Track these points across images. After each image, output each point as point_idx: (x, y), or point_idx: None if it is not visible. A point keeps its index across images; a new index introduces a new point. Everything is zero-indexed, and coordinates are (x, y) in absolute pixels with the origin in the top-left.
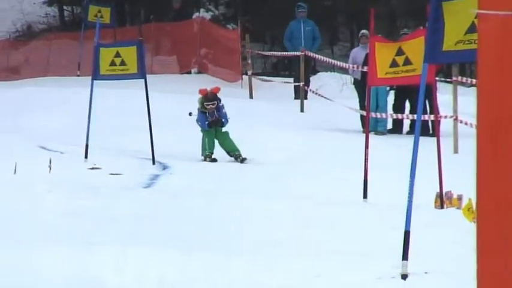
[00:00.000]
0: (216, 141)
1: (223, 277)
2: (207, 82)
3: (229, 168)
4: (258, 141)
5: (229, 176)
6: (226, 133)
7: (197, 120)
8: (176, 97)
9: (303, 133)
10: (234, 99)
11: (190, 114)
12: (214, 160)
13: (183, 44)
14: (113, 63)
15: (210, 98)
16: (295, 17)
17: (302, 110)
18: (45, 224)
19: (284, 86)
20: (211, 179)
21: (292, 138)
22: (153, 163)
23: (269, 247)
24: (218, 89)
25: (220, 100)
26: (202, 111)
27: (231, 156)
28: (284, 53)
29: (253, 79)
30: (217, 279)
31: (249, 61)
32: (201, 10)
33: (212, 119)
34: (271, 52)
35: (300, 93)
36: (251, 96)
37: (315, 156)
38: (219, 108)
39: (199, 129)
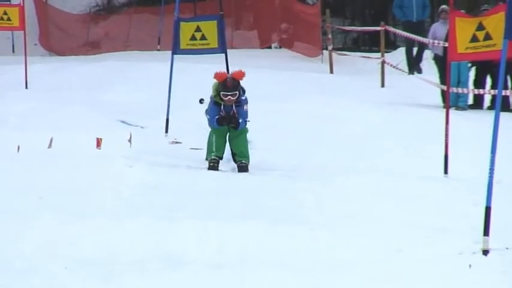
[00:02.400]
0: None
1: (306, 251)
2: (287, 57)
3: (309, 142)
4: (338, 116)
5: (310, 150)
6: (244, 131)
7: (206, 112)
8: (257, 72)
9: (383, 108)
10: (314, 74)
11: (201, 101)
12: (215, 168)
13: (264, 19)
14: (193, 38)
15: (229, 87)
16: None
17: (383, 85)
18: (126, 198)
19: (365, 61)
20: (292, 153)
21: (373, 113)
22: None
23: (351, 221)
24: (243, 74)
25: (244, 90)
26: (216, 102)
27: (235, 161)
28: (364, 28)
29: (334, 54)
30: (300, 252)
31: (329, 36)
32: None
33: (226, 114)
34: (352, 27)
35: (381, 68)
36: (331, 71)
37: (396, 131)
38: (241, 103)
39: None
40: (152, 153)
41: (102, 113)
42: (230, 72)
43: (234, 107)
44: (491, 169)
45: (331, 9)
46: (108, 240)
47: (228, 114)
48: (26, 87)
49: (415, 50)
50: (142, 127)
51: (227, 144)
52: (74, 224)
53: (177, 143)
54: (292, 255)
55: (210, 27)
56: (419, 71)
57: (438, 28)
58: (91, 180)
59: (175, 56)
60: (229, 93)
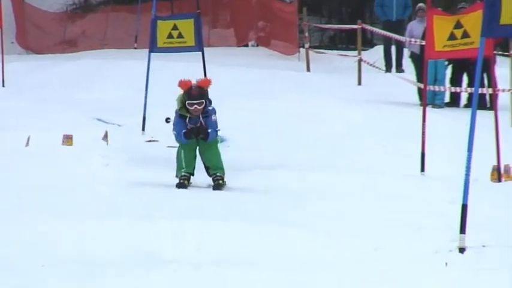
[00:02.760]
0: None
1: (284, 250)
2: (264, 55)
3: (287, 141)
4: (316, 114)
5: (288, 148)
6: (215, 142)
7: (173, 129)
8: (234, 70)
9: (360, 106)
10: (291, 72)
11: (167, 120)
12: (184, 185)
13: (241, 17)
14: (170, 36)
15: (195, 96)
16: None
17: (359, 83)
18: (103, 197)
19: (341, 59)
20: (269, 152)
21: (350, 111)
22: None
23: (328, 219)
24: (208, 82)
25: (210, 101)
26: (181, 115)
27: (209, 175)
28: (341, 26)
29: (310, 52)
30: (277, 252)
31: (306, 34)
32: None
33: (193, 126)
34: (329, 25)
35: (358, 66)
36: (308, 69)
37: (372, 129)
38: (208, 113)
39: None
40: (129, 151)
41: (79, 111)
42: (196, 80)
43: (201, 118)
44: (468, 167)
45: (308, 7)
46: (86, 238)
47: (195, 126)
48: (3, 86)
49: (393, 48)
50: (119, 125)
51: (198, 157)
52: (51, 222)
53: (153, 141)
54: (272, 254)
55: (187, 26)
56: (401, 71)
57: (415, 26)
58: (68, 178)
59: (152, 54)
60: (195, 101)
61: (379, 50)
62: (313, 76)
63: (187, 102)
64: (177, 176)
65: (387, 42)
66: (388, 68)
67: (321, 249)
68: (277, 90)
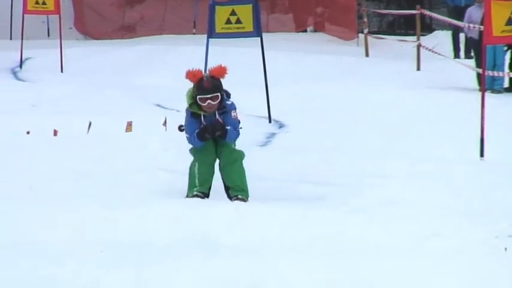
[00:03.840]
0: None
1: (341, 235)
2: (323, 40)
3: (344, 126)
4: (373, 99)
5: (345, 134)
6: (238, 154)
7: (185, 131)
8: (292, 55)
9: (418, 91)
10: (349, 58)
11: (180, 128)
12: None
13: (299, 2)
14: (228, 21)
15: (208, 88)
16: None
17: (418, 69)
18: (162, 182)
19: (400, 44)
20: (326, 136)
21: (408, 96)
22: (269, 121)
23: (385, 205)
24: (224, 71)
25: (228, 94)
26: (193, 113)
27: (229, 197)
28: (400, 11)
29: (369, 37)
30: (334, 237)
31: (365, 19)
32: None
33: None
34: (387, 10)
35: (417, 52)
36: (367, 55)
37: (431, 115)
38: (226, 108)
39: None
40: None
41: (137, 97)
42: (208, 70)
43: (217, 115)
44: None
45: None
46: (144, 223)
47: (209, 124)
48: (62, 71)
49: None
50: (177, 111)
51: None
52: (110, 208)
53: None
54: (328, 240)
55: (245, 11)
56: (470, 57)
57: (473, 12)
58: (127, 163)
59: (210, 39)
60: (208, 95)
61: (438, 35)
62: (372, 61)
63: (198, 97)
64: (188, 195)
65: (455, 27)
66: (456, 54)
67: (377, 236)
68: (335, 76)
